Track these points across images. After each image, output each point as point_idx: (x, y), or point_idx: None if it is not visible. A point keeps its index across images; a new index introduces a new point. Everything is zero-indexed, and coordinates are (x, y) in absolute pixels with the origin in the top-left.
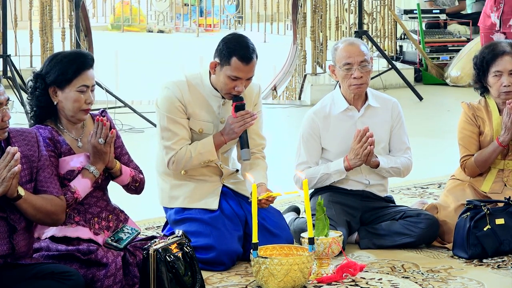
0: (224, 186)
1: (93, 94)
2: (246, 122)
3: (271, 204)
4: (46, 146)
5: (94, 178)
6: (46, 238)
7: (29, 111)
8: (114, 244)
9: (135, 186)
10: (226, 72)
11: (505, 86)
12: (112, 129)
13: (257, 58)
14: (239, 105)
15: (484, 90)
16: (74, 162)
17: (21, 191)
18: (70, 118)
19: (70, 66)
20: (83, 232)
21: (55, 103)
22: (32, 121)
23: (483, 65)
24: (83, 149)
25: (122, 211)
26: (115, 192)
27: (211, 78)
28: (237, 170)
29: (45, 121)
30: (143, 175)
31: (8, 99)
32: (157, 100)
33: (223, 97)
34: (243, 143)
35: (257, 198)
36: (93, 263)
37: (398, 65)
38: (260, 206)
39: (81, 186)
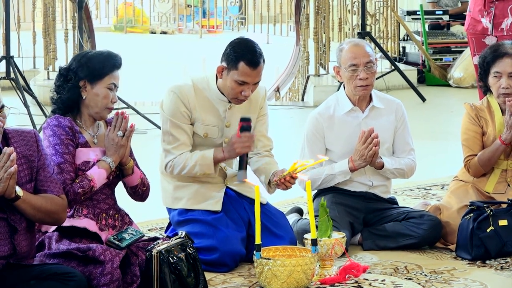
0: (227, 187)
1: None
2: (248, 145)
3: (273, 206)
4: (66, 134)
5: (110, 170)
6: (54, 231)
7: (53, 104)
8: (116, 242)
9: (142, 190)
10: (233, 77)
11: (503, 88)
12: (132, 123)
13: (264, 62)
14: (246, 126)
15: (487, 89)
16: (90, 154)
17: (19, 191)
18: (94, 114)
19: (106, 62)
20: (90, 224)
21: (83, 97)
22: (52, 114)
23: (484, 65)
24: (99, 146)
25: (127, 214)
26: (119, 195)
27: (217, 82)
28: None
29: (65, 116)
30: (149, 181)
31: (3, 106)
32: (162, 103)
33: (229, 101)
34: (242, 164)
35: (282, 175)
36: (90, 260)
37: (401, 66)
38: (285, 185)
39: (97, 175)
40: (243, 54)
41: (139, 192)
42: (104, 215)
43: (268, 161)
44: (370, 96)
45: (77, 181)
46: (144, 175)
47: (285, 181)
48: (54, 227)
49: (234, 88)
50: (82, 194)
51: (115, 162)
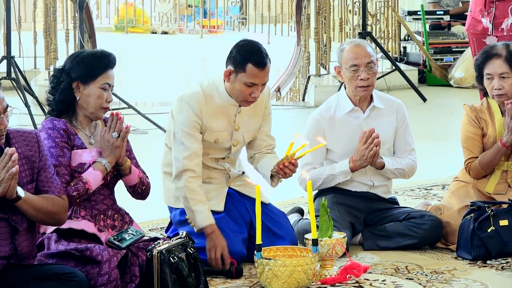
0: (229, 188)
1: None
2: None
3: (275, 206)
4: (60, 136)
5: (105, 171)
6: (52, 232)
7: (48, 106)
8: (116, 243)
9: (142, 189)
10: (242, 79)
11: (496, 89)
12: (127, 124)
13: (270, 62)
14: (237, 269)
15: (486, 92)
16: (86, 156)
17: (21, 192)
18: (89, 114)
19: (98, 63)
20: (88, 226)
21: (77, 98)
22: (49, 115)
23: (477, 68)
24: (95, 146)
25: (127, 214)
26: (120, 194)
27: (225, 86)
28: (243, 173)
29: (61, 117)
30: (149, 180)
31: (7, 107)
32: (174, 112)
33: (239, 105)
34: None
35: (280, 161)
36: (88, 260)
37: (402, 66)
38: (284, 172)
39: (93, 177)
40: (250, 56)
41: (139, 191)
42: (101, 216)
43: (270, 157)
44: (371, 96)
45: (72, 184)
46: (144, 173)
47: (284, 167)
48: (52, 228)
49: (243, 91)
50: (77, 197)
51: (111, 163)
